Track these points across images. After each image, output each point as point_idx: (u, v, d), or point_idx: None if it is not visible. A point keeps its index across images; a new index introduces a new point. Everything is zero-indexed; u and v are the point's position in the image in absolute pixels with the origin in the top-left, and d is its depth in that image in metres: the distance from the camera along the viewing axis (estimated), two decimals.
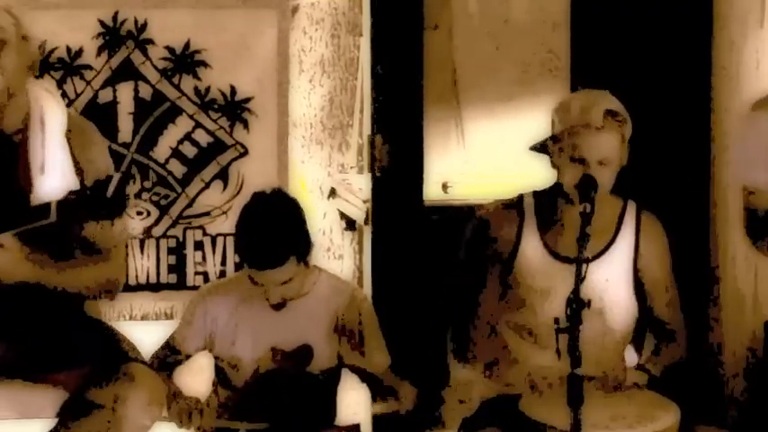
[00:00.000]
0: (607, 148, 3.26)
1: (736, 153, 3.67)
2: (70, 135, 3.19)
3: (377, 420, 4.03)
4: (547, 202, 3.40)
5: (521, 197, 3.44)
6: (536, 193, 3.43)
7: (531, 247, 3.38)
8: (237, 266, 4.57)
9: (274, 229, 3.34)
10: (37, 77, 3.27)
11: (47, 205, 2.93)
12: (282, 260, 3.31)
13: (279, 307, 3.41)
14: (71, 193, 2.94)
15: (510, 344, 3.41)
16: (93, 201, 2.92)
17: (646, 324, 3.48)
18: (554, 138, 3.33)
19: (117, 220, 3.07)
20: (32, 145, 3.16)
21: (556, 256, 3.36)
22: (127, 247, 4.52)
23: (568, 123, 3.28)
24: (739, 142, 3.66)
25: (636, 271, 3.40)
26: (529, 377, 3.31)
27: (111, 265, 3.23)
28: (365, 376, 3.49)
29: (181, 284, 4.61)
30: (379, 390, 3.51)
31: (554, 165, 3.35)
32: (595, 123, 3.25)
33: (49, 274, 3.11)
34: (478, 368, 3.45)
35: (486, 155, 4.50)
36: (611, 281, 3.37)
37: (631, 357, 3.51)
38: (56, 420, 3.12)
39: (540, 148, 3.40)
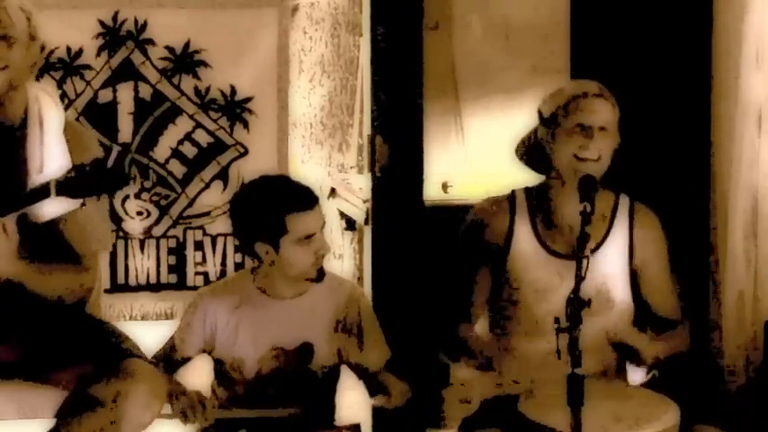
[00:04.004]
0: (607, 113, 3.30)
1: None
2: (68, 138, 3.19)
3: (377, 420, 4.02)
4: (539, 198, 3.41)
5: (513, 193, 3.45)
6: (527, 189, 3.45)
7: (524, 243, 3.39)
8: (237, 266, 4.59)
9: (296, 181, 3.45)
10: (37, 79, 3.27)
11: (45, 184, 2.93)
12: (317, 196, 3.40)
13: (321, 276, 3.40)
14: (69, 170, 2.93)
15: (506, 339, 3.42)
16: (92, 176, 2.91)
17: (644, 319, 3.49)
18: (546, 120, 3.33)
19: (105, 225, 3.07)
20: (30, 143, 3.16)
21: (550, 251, 3.37)
22: (126, 249, 4.55)
23: (565, 97, 3.31)
24: None
25: (631, 265, 3.41)
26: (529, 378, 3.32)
27: (88, 274, 3.22)
28: (361, 372, 3.50)
29: (181, 284, 4.62)
30: (372, 386, 3.51)
31: (542, 164, 3.36)
32: (593, 91, 3.30)
33: (30, 275, 3.10)
34: (471, 365, 3.45)
35: (487, 155, 4.50)
36: (608, 276, 3.38)
37: None
38: (56, 419, 3.12)
39: (526, 148, 3.41)
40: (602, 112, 3.29)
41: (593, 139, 3.26)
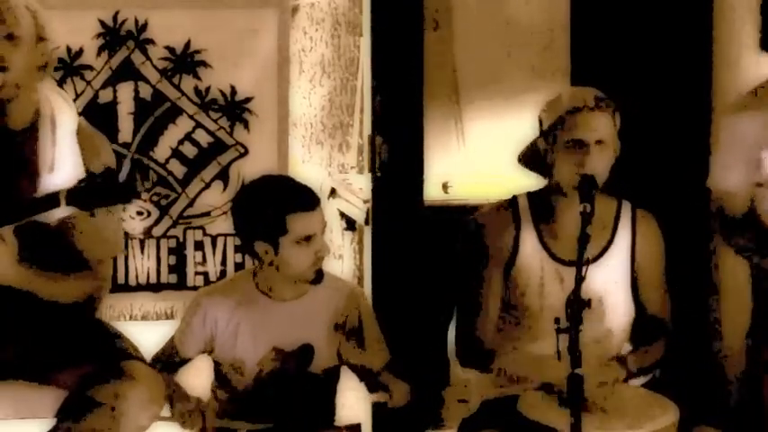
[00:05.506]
0: (603, 127, 3.28)
1: (714, 158, 3.65)
2: (81, 141, 3.19)
3: (377, 420, 4.03)
4: (541, 203, 3.41)
5: (514, 199, 3.44)
6: (530, 194, 3.44)
7: (530, 250, 3.38)
8: (238, 266, 4.59)
9: (298, 181, 3.44)
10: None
11: (56, 194, 2.94)
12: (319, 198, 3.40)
13: (319, 278, 3.40)
14: (80, 181, 2.94)
15: (513, 344, 3.42)
16: (103, 187, 2.92)
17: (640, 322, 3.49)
18: (545, 133, 3.34)
19: (117, 230, 3.08)
20: (42, 143, 3.16)
21: (554, 257, 3.37)
22: (126, 249, 4.55)
23: (561, 110, 3.30)
24: (717, 147, 3.64)
25: (633, 270, 3.41)
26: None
27: (98, 281, 3.22)
28: (362, 373, 3.50)
29: (181, 285, 4.62)
30: (373, 386, 3.51)
31: (545, 169, 3.36)
32: (589, 104, 3.27)
33: (38, 283, 3.10)
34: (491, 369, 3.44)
35: (487, 155, 4.50)
36: (611, 282, 3.38)
37: None
38: (55, 419, 3.12)
39: (530, 156, 3.40)
40: (599, 127, 3.27)
41: (590, 155, 3.25)
